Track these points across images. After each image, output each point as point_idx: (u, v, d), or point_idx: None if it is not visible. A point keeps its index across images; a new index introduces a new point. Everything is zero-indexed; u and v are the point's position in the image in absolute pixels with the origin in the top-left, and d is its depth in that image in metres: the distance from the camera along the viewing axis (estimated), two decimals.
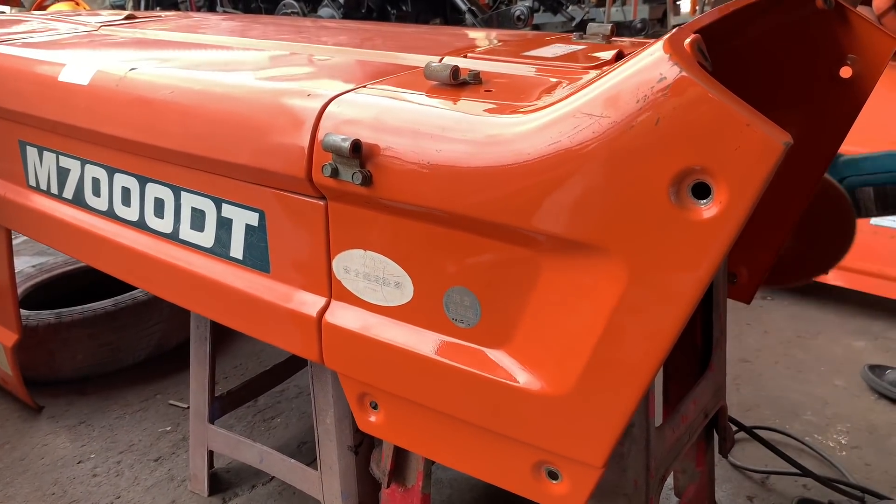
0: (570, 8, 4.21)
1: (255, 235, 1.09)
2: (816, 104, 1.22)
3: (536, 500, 0.94)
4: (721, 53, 1.10)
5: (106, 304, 2.21)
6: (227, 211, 1.12)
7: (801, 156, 1.29)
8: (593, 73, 1.01)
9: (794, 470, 1.78)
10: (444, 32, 1.79)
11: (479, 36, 1.53)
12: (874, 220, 2.61)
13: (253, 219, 1.08)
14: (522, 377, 0.86)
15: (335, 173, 0.90)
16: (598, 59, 1.15)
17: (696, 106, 0.65)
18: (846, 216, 1.41)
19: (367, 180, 0.88)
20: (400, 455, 1.26)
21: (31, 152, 1.50)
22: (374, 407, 1.06)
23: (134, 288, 2.24)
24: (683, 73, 0.65)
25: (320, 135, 0.92)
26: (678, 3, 7.75)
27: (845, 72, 1.17)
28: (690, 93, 0.65)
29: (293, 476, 1.57)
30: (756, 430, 1.91)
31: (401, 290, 0.95)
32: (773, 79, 1.21)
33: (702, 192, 0.67)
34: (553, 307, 0.82)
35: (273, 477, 1.79)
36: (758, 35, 1.15)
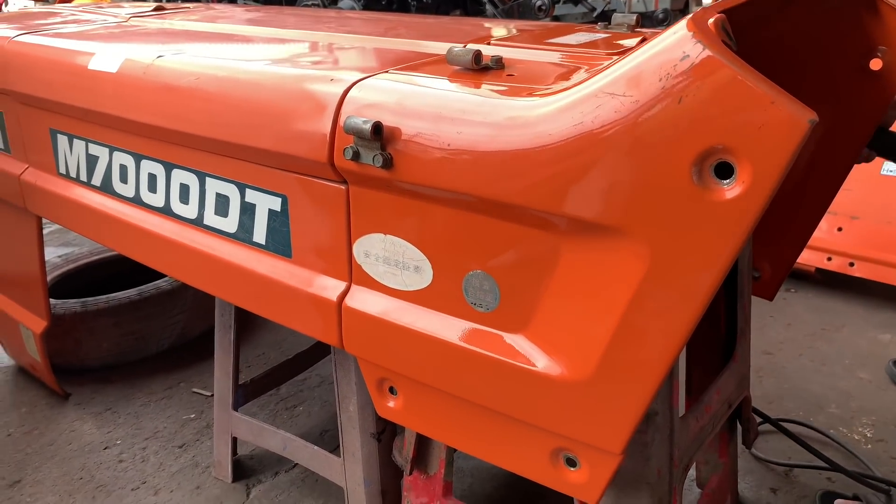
0: None
1: (277, 220, 1.10)
2: (846, 97, 1.20)
3: (555, 488, 0.93)
4: (749, 45, 1.09)
5: (131, 293, 2.24)
6: (251, 196, 1.13)
7: (829, 149, 1.27)
8: (617, 58, 1.01)
9: (818, 463, 1.76)
10: (467, 22, 1.79)
11: (501, 25, 1.53)
12: None
13: (276, 203, 1.09)
14: (541, 362, 0.86)
15: (356, 156, 0.90)
16: (622, 46, 1.14)
17: (720, 84, 0.64)
18: None
19: (388, 163, 0.88)
20: (422, 442, 1.27)
21: (62, 140, 1.52)
22: (393, 392, 1.06)
23: (158, 277, 2.27)
24: (707, 52, 0.65)
25: (342, 119, 0.93)
26: None
27: (875, 64, 1.15)
28: (714, 71, 0.64)
29: (316, 463, 1.58)
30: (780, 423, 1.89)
31: (420, 274, 0.95)
32: (802, 71, 1.19)
33: (725, 171, 0.67)
34: (573, 291, 0.82)
35: (296, 464, 1.80)
36: (786, 26, 1.13)
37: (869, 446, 1.88)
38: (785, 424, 1.81)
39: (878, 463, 1.80)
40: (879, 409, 2.03)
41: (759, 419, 1.79)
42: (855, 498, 1.57)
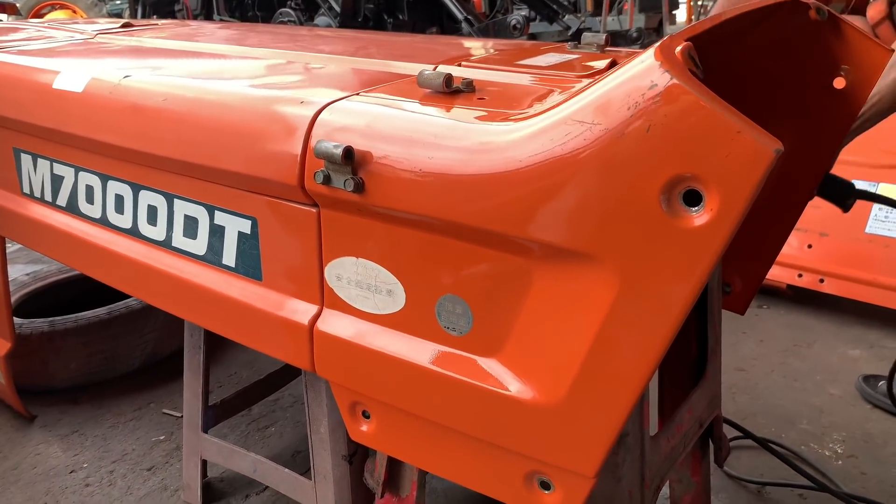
0: (567, 17, 4.23)
1: (247, 243, 1.09)
2: (811, 115, 1.22)
3: None
4: (716, 65, 1.10)
5: (100, 312, 2.20)
6: (220, 218, 1.12)
7: (796, 167, 1.29)
8: (587, 81, 1.01)
9: (790, 480, 1.77)
10: (439, 41, 1.79)
11: (474, 45, 1.54)
12: (869, 229, 2.61)
13: (245, 226, 1.08)
14: (514, 386, 0.85)
15: (327, 180, 0.89)
16: (592, 67, 1.15)
17: (687, 113, 0.65)
18: None
19: (360, 187, 0.87)
20: (394, 465, 1.26)
21: (26, 160, 1.49)
22: (366, 416, 1.05)
23: (128, 296, 2.23)
24: (674, 81, 0.65)
25: (313, 142, 0.92)
26: (674, 12, 7.79)
27: (839, 83, 1.17)
28: (681, 100, 0.65)
29: (287, 485, 1.56)
30: (747, 440, 1.91)
31: (393, 297, 0.94)
32: (768, 90, 1.21)
33: (693, 199, 0.67)
34: (545, 315, 0.82)
35: (267, 486, 1.78)
36: (752, 47, 1.15)
37: (839, 462, 1.90)
38: (752, 442, 1.83)
39: (848, 479, 1.82)
40: (850, 425, 2.06)
41: (738, 435, 1.80)
42: None
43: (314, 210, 0.97)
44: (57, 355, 2.15)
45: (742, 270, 1.43)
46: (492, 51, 1.37)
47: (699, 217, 0.67)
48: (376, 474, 1.28)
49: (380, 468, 1.26)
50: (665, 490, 1.64)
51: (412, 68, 1.17)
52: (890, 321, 2.62)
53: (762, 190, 1.33)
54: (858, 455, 1.92)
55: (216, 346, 2.41)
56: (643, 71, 0.68)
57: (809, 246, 2.72)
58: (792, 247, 2.73)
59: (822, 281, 2.69)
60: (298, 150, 0.94)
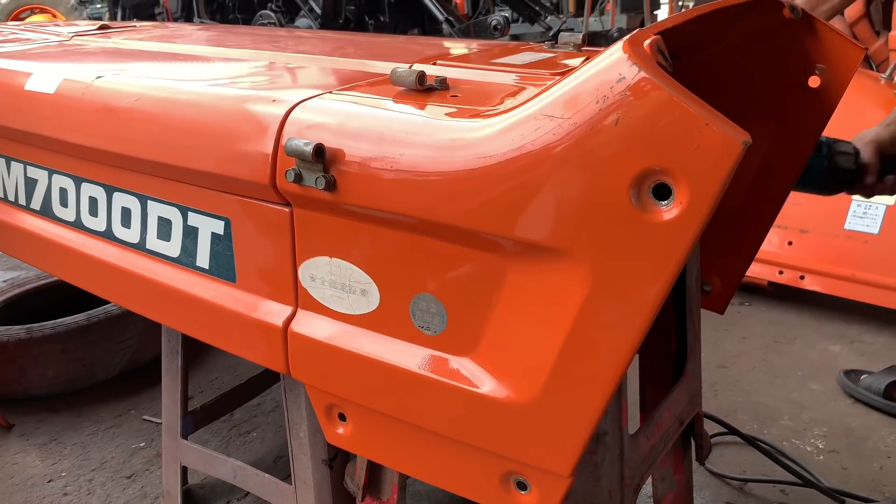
0: (548, 18, 4.23)
1: (220, 244, 1.07)
2: (786, 114, 1.23)
3: None
4: (691, 65, 1.10)
5: (78, 318, 2.17)
6: (193, 219, 1.10)
7: (772, 165, 1.30)
8: (560, 78, 1.01)
9: (772, 476, 1.78)
10: (417, 42, 1.79)
11: (452, 45, 1.53)
12: (847, 226, 2.63)
13: (219, 227, 1.07)
14: (488, 385, 0.85)
15: (299, 178, 0.88)
16: (566, 66, 1.15)
17: (655, 106, 0.64)
18: None
19: (331, 185, 0.86)
20: (374, 468, 1.25)
21: None
22: (342, 419, 1.04)
23: (107, 302, 2.21)
24: (642, 73, 0.65)
25: (284, 140, 0.91)
26: (655, 13, 7.84)
27: (814, 81, 1.17)
28: (649, 93, 0.65)
29: (267, 491, 1.55)
30: (729, 437, 1.91)
31: (367, 297, 0.94)
32: (746, 89, 1.21)
33: (662, 193, 0.67)
34: (518, 313, 0.81)
35: (248, 492, 1.76)
36: (727, 46, 1.15)
37: (821, 457, 1.91)
38: (734, 438, 1.83)
39: (829, 473, 1.83)
40: (831, 420, 2.07)
41: (720, 432, 1.81)
42: None
43: (287, 209, 0.96)
44: (34, 363, 2.13)
45: (721, 270, 1.44)
46: (468, 50, 1.37)
47: (669, 211, 0.66)
48: (356, 478, 1.27)
49: (360, 472, 1.25)
50: (647, 488, 1.64)
51: (387, 67, 1.16)
52: (869, 316, 2.64)
53: (739, 188, 1.35)
54: (839, 450, 1.94)
55: (196, 351, 2.38)
56: (611, 64, 0.67)
57: (790, 243, 2.74)
58: (772, 244, 2.75)
59: (802, 277, 2.71)
60: (270, 148, 0.93)
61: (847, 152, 1.35)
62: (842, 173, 1.35)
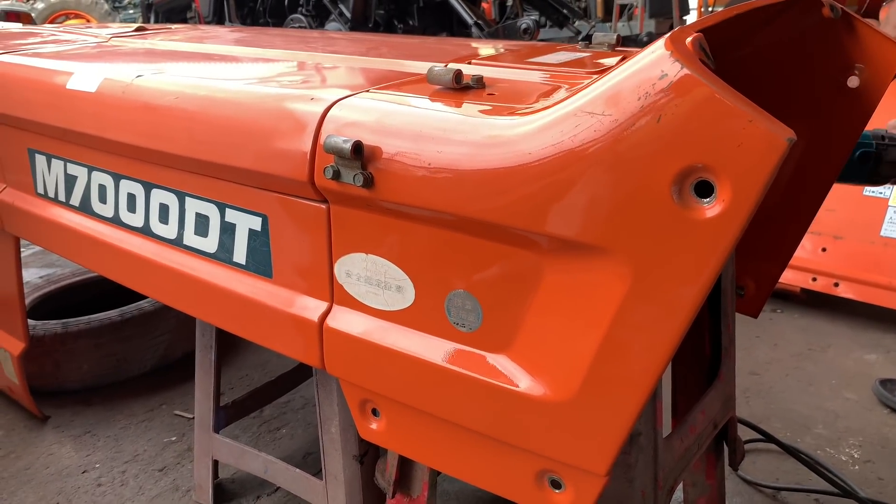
0: (577, 23, 4.22)
1: (258, 240, 1.09)
2: (824, 115, 1.21)
3: None
4: (729, 64, 1.10)
5: (112, 314, 2.21)
6: (231, 216, 1.12)
7: (809, 167, 1.28)
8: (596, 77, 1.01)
9: (805, 485, 1.75)
10: (450, 42, 1.79)
11: (484, 45, 1.54)
12: (884, 232, 2.59)
13: (256, 223, 1.08)
14: (524, 382, 0.85)
15: (337, 175, 0.89)
16: (602, 65, 1.15)
17: (698, 103, 0.64)
18: None
19: (369, 182, 0.87)
20: (405, 465, 1.25)
21: (40, 160, 1.51)
22: (376, 414, 1.05)
23: (140, 298, 2.24)
24: (685, 70, 0.65)
25: (322, 138, 0.92)
26: (685, 17, 7.77)
27: (852, 81, 1.16)
28: (692, 90, 0.64)
29: (298, 486, 1.56)
30: (762, 444, 1.89)
31: (402, 294, 0.94)
32: (781, 90, 1.20)
33: (705, 190, 0.66)
34: (555, 310, 0.81)
35: (278, 487, 1.77)
36: (764, 45, 1.14)
37: (856, 467, 1.87)
38: (767, 446, 1.80)
39: (865, 484, 1.80)
40: (866, 430, 2.03)
41: (754, 438, 1.78)
42: None
43: (324, 206, 0.97)
44: (69, 357, 2.17)
45: (755, 273, 1.42)
46: (502, 50, 1.37)
47: (711, 208, 0.66)
48: (387, 474, 1.27)
49: (391, 468, 1.26)
50: (678, 494, 1.63)
51: (423, 67, 1.17)
52: None
53: (775, 190, 1.34)
54: (875, 460, 1.90)
55: (228, 348, 2.41)
56: (654, 61, 0.67)
57: (824, 249, 2.69)
58: (806, 250, 2.71)
59: (836, 285, 2.66)
60: (308, 146, 0.94)
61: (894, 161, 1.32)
62: (886, 178, 1.33)
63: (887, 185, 2.58)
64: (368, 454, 1.40)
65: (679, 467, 1.17)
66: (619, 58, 1.20)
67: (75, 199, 1.45)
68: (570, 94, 0.77)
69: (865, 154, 1.31)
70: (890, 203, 2.61)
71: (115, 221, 1.36)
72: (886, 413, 2.11)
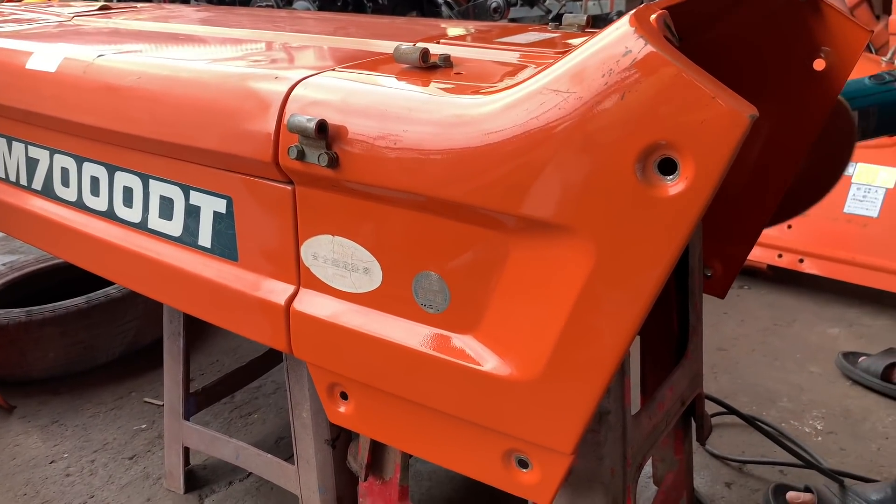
0: (548, 1, 4.21)
1: (222, 223, 1.07)
2: (791, 97, 1.22)
3: (507, 490, 0.93)
4: (695, 46, 1.10)
5: (78, 301, 2.17)
6: (195, 198, 1.10)
7: (775, 149, 1.29)
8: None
9: (771, 458, 1.79)
10: (419, 22, 1.78)
11: (453, 25, 1.52)
12: (847, 209, 2.63)
13: (220, 205, 1.07)
14: (491, 362, 0.85)
15: (301, 155, 0.88)
16: (571, 45, 1.14)
17: (662, 80, 0.64)
18: (848, 133, 1.38)
19: (334, 162, 0.86)
20: (377, 448, 1.25)
21: (0, 143, 1.47)
22: (344, 397, 1.04)
23: (107, 284, 2.21)
24: (649, 47, 0.65)
25: (286, 117, 0.90)
26: None
27: (819, 64, 1.17)
28: (656, 66, 0.64)
29: (270, 471, 1.55)
30: (728, 418, 1.92)
31: (370, 275, 0.94)
32: (748, 73, 1.21)
33: (668, 168, 0.66)
34: (521, 290, 0.81)
35: (250, 473, 1.77)
36: (731, 28, 1.15)
37: (819, 438, 1.92)
38: (734, 419, 1.84)
39: (828, 454, 1.84)
40: (829, 402, 2.08)
41: (720, 411, 1.82)
42: (807, 489, 1.60)
43: (289, 187, 0.96)
44: (35, 345, 2.13)
45: (722, 254, 1.44)
46: (471, 30, 1.36)
47: (674, 185, 0.66)
48: (359, 458, 1.27)
49: (363, 451, 1.26)
50: (648, 469, 1.65)
51: (390, 46, 1.16)
52: (868, 299, 2.65)
53: (741, 172, 1.35)
54: (837, 431, 1.95)
55: (197, 333, 2.39)
56: (618, 38, 0.67)
57: (789, 226, 2.74)
58: (772, 227, 2.74)
59: (801, 261, 2.71)
60: (272, 126, 0.92)
61: None
62: None
63: (851, 163, 2.63)
64: (340, 438, 1.39)
65: (648, 444, 1.19)
66: (587, 38, 1.19)
67: (37, 183, 1.41)
68: (535, 73, 0.76)
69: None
70: (853, 180, 2.65)
71: (79, 205, 1.33)
72: (848, 385, 2.16)
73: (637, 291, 0.71)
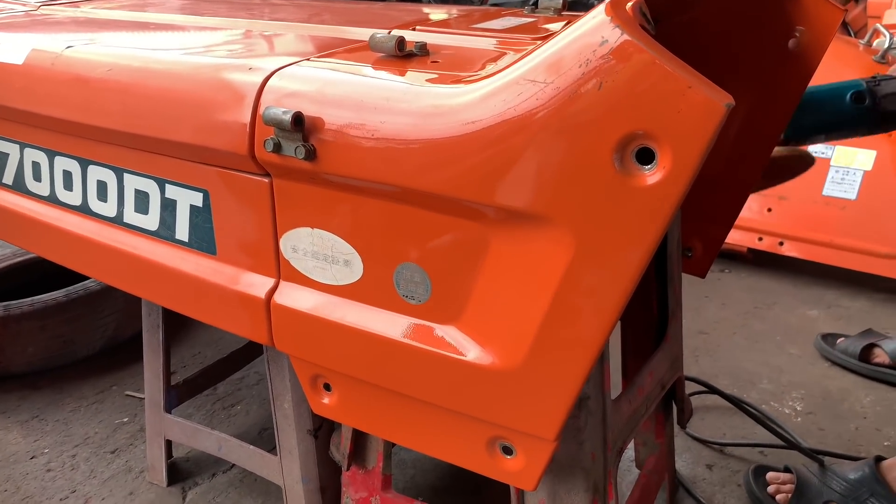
0: None
1: (199, 216, 1.06)
2: (766, 78, 1.23)
3: (492, 477, 0.93)
4: (670, 29, 1.10)
5: (57, 295, 2.14)
6: (171, 192, 1.09)
7: (751, 129, 1.30)
8: (540, 43, 1.00)
9: (751, 440, 1.81)
10: (395, 8, 1.76)
11: (431, 10, 1.51)
12: (826, 192, 2.66)
13: (197, 199, 1.05)
14: (473, 352, 0.85)
15: (278, 148, 0.87)
16: (547, 30, 1.14)
17: (638, 69, 0.64)
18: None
19: (311, 154, 0.85)
20: (359, 437, 1.25)
21: None
22: (328, 388, 1.04)
23: (86, 279, 2.18)
24: (625, 36, 0.64)
25: (262, 109, 0.89)
26: None
27: (793, 44, 1.17)
28: (632, 56, 0.64)
29: (253, 462, 1.55)
30: (710, 401, 1.95)
31: (350, 268, 0.93)
32: (724, 53, 1.21)
33: (646, 157, 0.66)
34: (501, 281, 0.81)
35: (234, 465, 1.76)
36: (707, 9, 1.15)
37: (799, 419, 1.95)
38: (715, 400, 1.85)
39: (807, 435, 1.87)
40: (808, 383, 2.11)
41: (700, 391, 1.83)
42: (786, 469, 1.62)
43: (266, 180, 0.95)
44: (13, 340, 2.10)
45: (702, 234, 1.45)
46: (448, 16, 1.35)
47: (652, 175, 0.66)
48: (342, 447, 1.27)
49: (345, 441, 1.26)
50: (630, 453, 1.67)
51: (366, 34, 1.14)
52: (847, 281, 2.68)
53: (719, 154, 1.35)
54: (816, 412, 1.97)
55: (178, 326, 2.37)
56: (594, 27, 0.66)
57: (769, 209, 2.76)
58: (752, 211, 2.77)
59: (781, 244, 2.73)
60: (247, 118, 0.91)
61: (892, 93, 1.31)
62: (891, 115, 1.32)
63: (829, 146, 2.65)
64: (322, 428, 1.39)
65: (628, 428, 1.20)
66: (564, 22, 1.19)
67: (8, 178, 1.39)
68: (513, 62, 0.76)
69: (858, 93, 1.30)
70: (832, 163, 2.68)
71: (52, 200, 1.31)
72: (827, 366, 2.19)
73: (617, 281, 0.71)
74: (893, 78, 1.34)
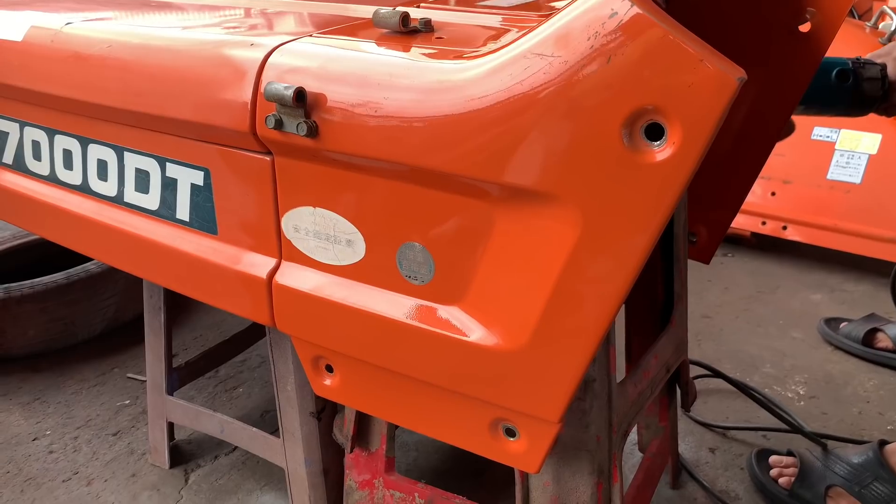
0: None
1: (200, 195, 1.05)
2: (776, 60, 1.21)
3: (495, 459, 0.92)
4: (681, 9, 1.08)
5: (57, 277, 2.14)
6: (172, 170, 1.07)
7: (759, 112, 1.28)
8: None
9: (754, 424, 1.81)
10: None
11: None
12: (830, 176, 2.64)
13: (198, 178, 1.04)
14: (477, 333, 0.84)
15: (279, 125, 0.86)
16: (553, 8, 1.12)
17: (649, 42, 0.62)
18: None
19: (313, 131, 0.84)
20: (362, 419, 1.25)
21: None
22: (330, 370, 1.03)
23: (87, 260, 2.17)
24: (636, 9, 0.63)
25: (263, 86, 0.88)
26: None
27: (805, 26, 1.15)
28: (642, 29, 0.62)
29: (255, 444, 1.55)
30: (713, 385, 1.94)
31: (352, 247, 0.92)
32: (734, 34, 1.19)
33: (655, 133, 0.65)
34: (507, 260, 0.80)
35: (236, 447, 1.76)
36: None
37: (802, 403, 1.94)
38: (718, 384, 1.85)
39: (810, 419, 1.87)
40: (811, 367, 2.10)
41: (704, 374, 1.83)
42: (789, 453, 1.62)
43: (268, 158, 0.94)
44: (14, 322, 2.10)
45: (707, 220, 1.44)
46: None
47: (661, 151, 0.65)
48: (345, 430, 1.27)
49: (348, 423, 1.25)
50: (633, 436, 1.67)
51: (369, 11, 1.13)
52: (850, 265, 2.67)
53: (726, 137, 1.34)
54: (819, 396, 1.97)
55: (179, 308, 2.37)
56: (603, 0, 0.65)
57: (773, 193, 2.74)
58: (756, 195, 2.76)
59: (785, 228, 2.72)
60: (249, 94, 0.90)
61: (874, 77, 1.31)
62: (870, 99, 1.32)
63: (834, 129, 2.63)
64: (325, 410, 1.39)
65: (633, 411, 1.19)
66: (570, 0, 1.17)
67: (8, 158, 1.37)
68: (519, 36, 0.74)
69: (842, 71, 1.29)
70: (836, 147, 2.66)
71: (52, 179, 1.30)
72: (830, 350, 2.18)
73: (624, 260, 0.70)
74: (875, 64, 1.32)
